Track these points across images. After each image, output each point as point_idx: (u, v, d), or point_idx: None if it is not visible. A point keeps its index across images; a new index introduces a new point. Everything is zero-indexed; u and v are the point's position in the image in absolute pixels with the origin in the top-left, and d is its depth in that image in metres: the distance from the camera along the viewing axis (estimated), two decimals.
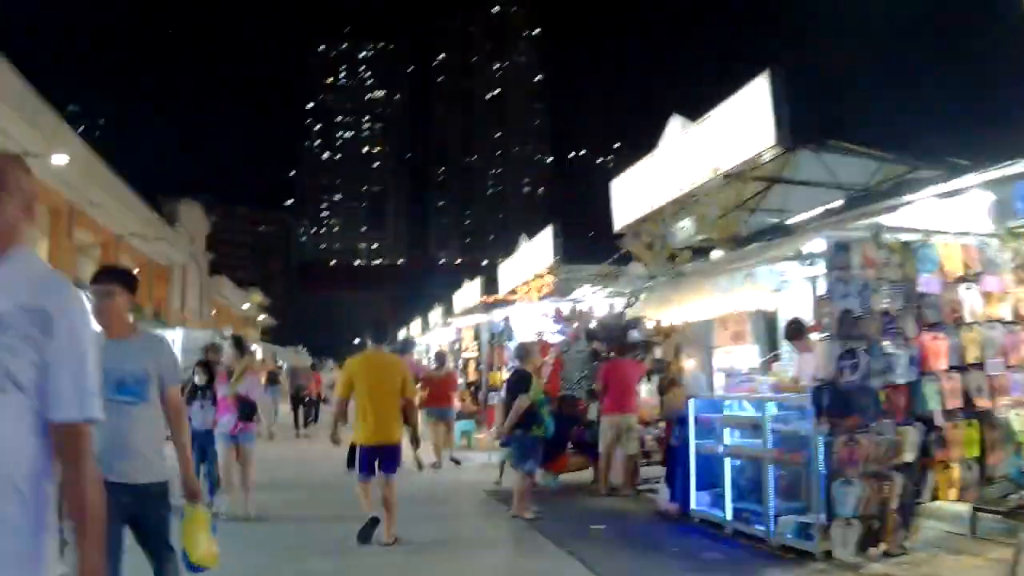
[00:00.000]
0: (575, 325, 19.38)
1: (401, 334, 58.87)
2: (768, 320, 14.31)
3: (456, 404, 22.88)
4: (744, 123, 13.89)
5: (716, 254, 14.65)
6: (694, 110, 15.91)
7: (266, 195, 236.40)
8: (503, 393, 15.85)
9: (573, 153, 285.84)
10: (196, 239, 63.28)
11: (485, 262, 37.73)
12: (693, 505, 12.58)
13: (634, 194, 18.35)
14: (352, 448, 13.04)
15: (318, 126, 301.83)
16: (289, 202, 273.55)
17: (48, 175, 30.29)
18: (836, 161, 13.99)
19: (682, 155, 16.06)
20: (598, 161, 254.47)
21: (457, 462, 20.50)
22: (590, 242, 25.45)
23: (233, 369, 13.78)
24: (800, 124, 13.37)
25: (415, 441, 13.22)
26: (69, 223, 36.75)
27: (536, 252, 27.75)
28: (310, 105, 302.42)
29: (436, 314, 44.97)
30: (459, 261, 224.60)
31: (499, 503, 15.17)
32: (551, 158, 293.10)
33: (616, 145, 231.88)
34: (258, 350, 45.95)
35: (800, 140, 13.41)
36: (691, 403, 12.97)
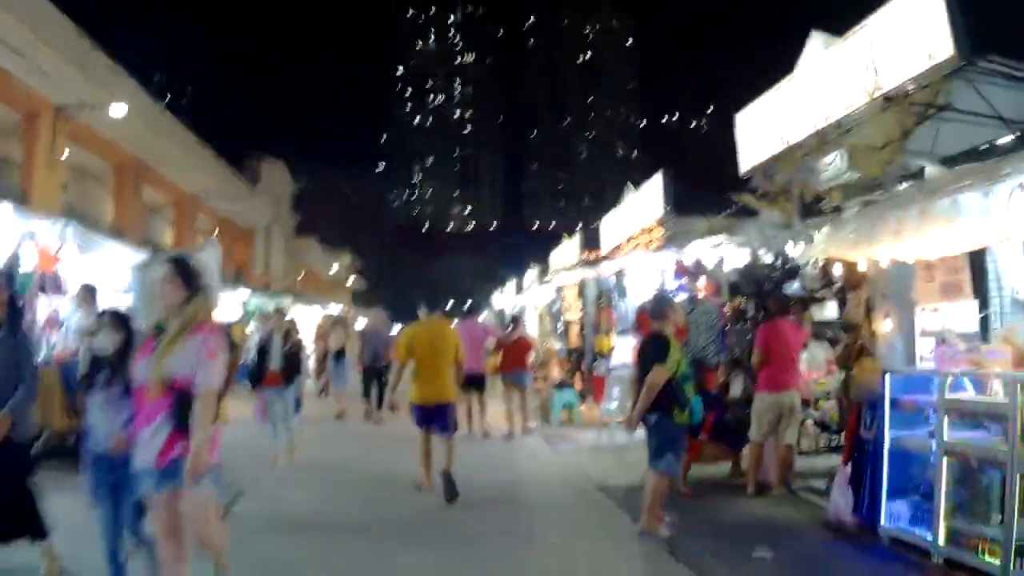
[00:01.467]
0: (701, 280, 15.96)
1: (495, 298, 57.09)
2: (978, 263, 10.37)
3: (530, 367, 21.04)
4: (910, 32, 10.81)
5: (932, 171, 10.58)
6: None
7: (357, 160, 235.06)
8: (613, 362, 16.03)
9: (667, 116, 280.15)
10: (280, 199, 60.79)
11: (579, 226, 35.07)
12: (883, 520, 9.34)
13: (765, 128, 14.98)
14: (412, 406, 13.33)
15: (408, 91, 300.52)
16: (380, 167, 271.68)
17: (106, 126, 28.41)
18: (994, 92, 10.46)
19: (827, 77, 12.96)
20: (694, 124, 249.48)
21: (529, 432, 19.86)
22: (698, 194, 21.79)
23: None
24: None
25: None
26: (136, 180, 34.76)
27: (643, 203, 24.74)
28: (400, 70, 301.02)
29: (531, 275, 41.53)
30: (553, 225, 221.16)
31: (616, 507, 11.97)
32: (644, 121, 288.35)
33: (710, 109, 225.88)
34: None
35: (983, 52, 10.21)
36: (886, 380, 9.59)
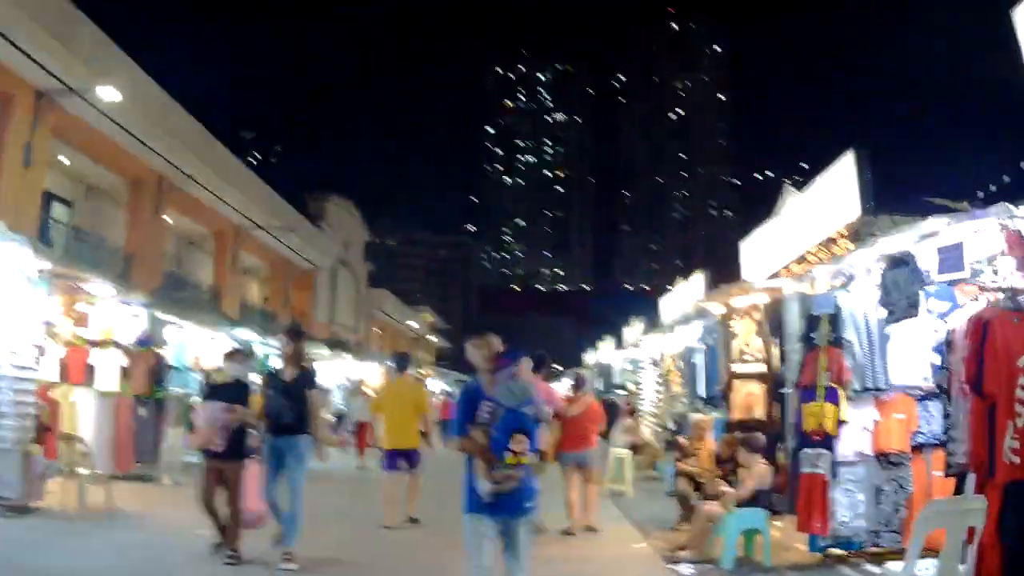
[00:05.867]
0: None
1: (589, 357, 51.54)
2: None
3: (596, 443, 16.03)
4: None
5: None
6: None
7: (447, 219, 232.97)
8: (842, 451, 10.61)
9: (760, 175, 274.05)
10: (350, 244, 56.30)
11: (691, 272, 29.83)
12: None
13: None
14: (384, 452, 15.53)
15: (499, 150, 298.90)
16: (471, 228, 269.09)
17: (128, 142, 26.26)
18: None
19: None
20: (787, 182, 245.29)
21: (594, 530, 14.81)
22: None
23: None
24: None
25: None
26: (157, 199, 29.66)
27: (822, 204, 18.49)
28: (491, 129, 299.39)
29: (635, 330, 34.12)
30: (646, 287, 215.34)
31: None
32: (738, 180, 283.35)
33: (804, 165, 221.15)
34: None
35: None
36: None
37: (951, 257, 9.01)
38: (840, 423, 10.46)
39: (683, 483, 14.60)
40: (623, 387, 30.99)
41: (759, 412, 14.50)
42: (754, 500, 11.67)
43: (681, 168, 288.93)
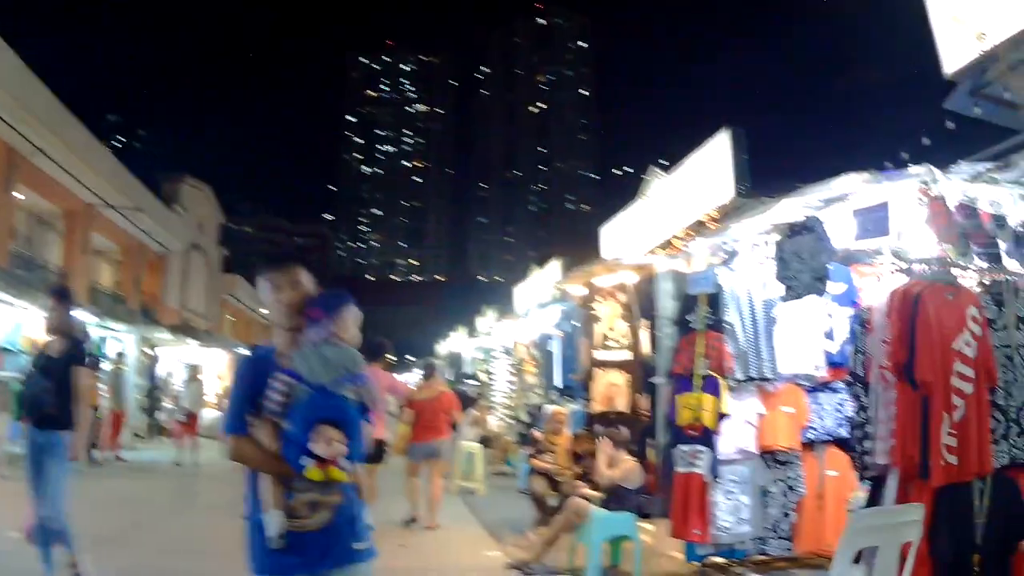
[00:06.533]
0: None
1: (441, 348, 51.14)
2: None
3: (449, 433, 15.29)
4: None
5: None
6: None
7: (304, 208, 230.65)
8: (724, 449, 9.32)
9: (620, 171, 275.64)
10: (205, 227, 54.30)
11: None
12: None
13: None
14: None
15: (359, 139, 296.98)
16: (328, 216, 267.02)
17: None
18: None
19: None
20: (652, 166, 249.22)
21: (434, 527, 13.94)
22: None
23: None
24: None
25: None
26: (6, 172, 27.25)
27: (693, 186, 16.68)
28: (352, 119, 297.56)
29: (488, 320, 32.62)
30: (500, 279, 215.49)
31: None
32: (596, 175, 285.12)
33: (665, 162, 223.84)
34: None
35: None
36: None
37: (873, 219, 7.65)
38: (720, 416, 9.10)
39: (538, 482, 13.16)
40: (475, 377, 29.79)
41: (622, 404, 13.25)
42: (621, 503, 10.33)
43: (539, 162, 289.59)
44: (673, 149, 18.52)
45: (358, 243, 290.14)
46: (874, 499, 7.06)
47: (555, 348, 18.34)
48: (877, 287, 7.56)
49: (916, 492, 6.45)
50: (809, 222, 8.29)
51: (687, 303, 9.95)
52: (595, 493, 10.60)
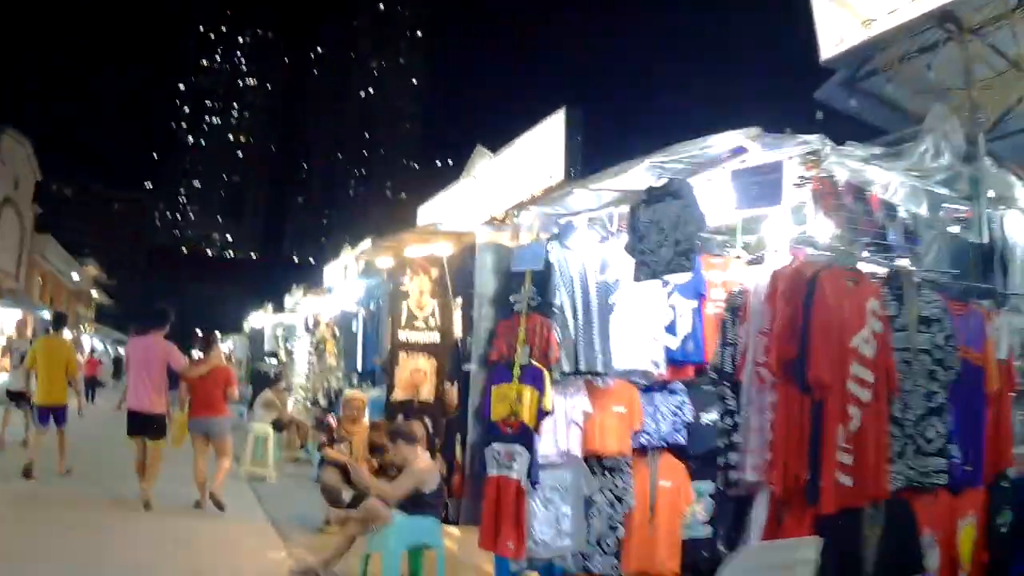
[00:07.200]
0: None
1: (253, 320, 47.81)
2: None
3: (225, 411, 14.49)
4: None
5: None
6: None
7: (125, 173, 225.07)
8: (544, 450, 7.98)
9: (441, 163, 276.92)
10: (20, 183, 51.35)
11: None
12: None
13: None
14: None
15: (186, 108, 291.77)
16: (148, 184, 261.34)
17: None
18: None
19: None
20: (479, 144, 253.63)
21: (221, 507, 13.35)
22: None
23: None
24: None
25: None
26: None
27: (521, 165, 16.65)
28: (181, 87, 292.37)
29: (296, 297, 31.10)
30: (312, 260, 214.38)
31: None
32: (416, 165, 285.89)
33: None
34: None
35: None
36: None
37: (763, 183, 6.31)
38: (542, 413, 7.82)
39: (331, 474, 11.75)
40: (275, 355, 28.16)
41: (427, 392, 11.65)
42: (420, 507, 9.01)
43: (364, 147, 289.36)
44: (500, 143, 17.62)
45: (176, 214, 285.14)
46: (735, 522, 5.94)
47: (358, 327, 17.11)
48: (754, 268, 6.38)
49: (793, 518, 5.35)
50: (674, 185, 6.88)
51: (510, 281, 8.54)
52: (381, 486, 9.26)
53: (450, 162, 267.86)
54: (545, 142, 16.09)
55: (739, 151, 6.43)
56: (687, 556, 8.21)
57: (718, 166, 6.76)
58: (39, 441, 15.47)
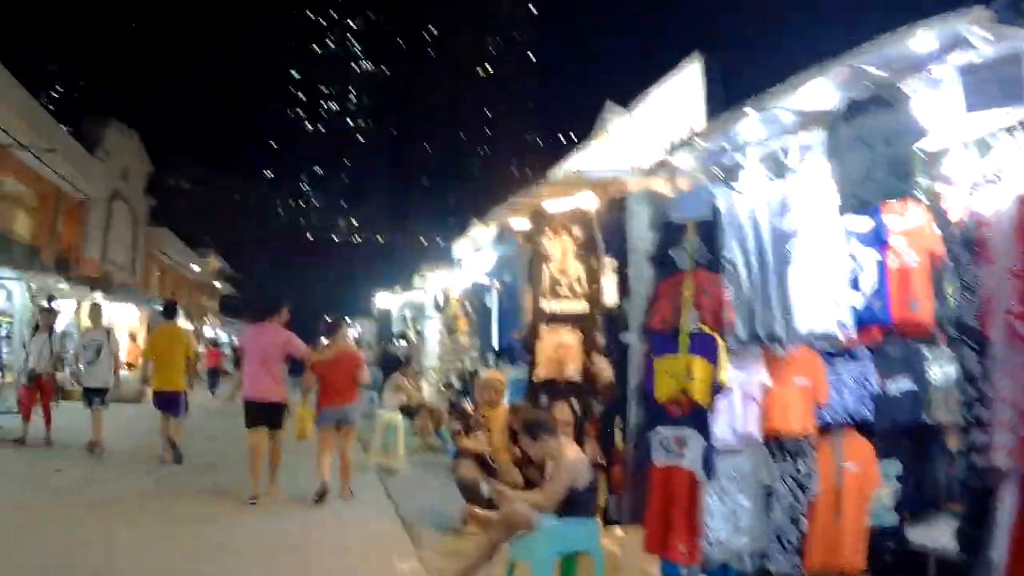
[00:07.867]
0: None
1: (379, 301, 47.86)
2: None
3: (356, 397, 14.00)
4: None
5: None
6: None
7: (243, 162, 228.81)
8: (720, 431, 6.82)
9: (564, 139, 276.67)
10: (130, 176, 51.05)
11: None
12: None
13: None
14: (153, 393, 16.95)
15: (302, 95, 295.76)
16: (268, 173, 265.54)
17: None
18: None
19: None
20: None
21: (350, 495, 13.22)
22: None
23: None
24: None
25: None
26: None
27: (658, 119, 14.07)
28: (296, 74, 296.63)
29: (423, 279, 30.30)
30: (440, 241, 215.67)
31: None
32: (540, 141, 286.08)
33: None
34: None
35: None
36: None
37: (1001, 80, 4.99)
38: (716, 389, 6.66)
39: (467, 466, 10.68)
40: (404, 336, 27.34)
41: (573, 369, 10.40)
42: (572, 506, 7.80)
43: (486, 125, 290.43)
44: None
45: (298, 201, 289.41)
46: (973, 519, 4.72)
47: (493, 302, 16.01)
48: (982, 195, 5.15)
49: None
50: (884, 93, 5.63)
51: (670, 234, 7.34)
52: (527, 496, 8.10)
53: (572, 135, 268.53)
54: (682, 93, 14.09)
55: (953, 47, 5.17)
56: (870, 547, 7.13)
57: (930, 65, 5.42)
58: (166, 427, 16.37)
